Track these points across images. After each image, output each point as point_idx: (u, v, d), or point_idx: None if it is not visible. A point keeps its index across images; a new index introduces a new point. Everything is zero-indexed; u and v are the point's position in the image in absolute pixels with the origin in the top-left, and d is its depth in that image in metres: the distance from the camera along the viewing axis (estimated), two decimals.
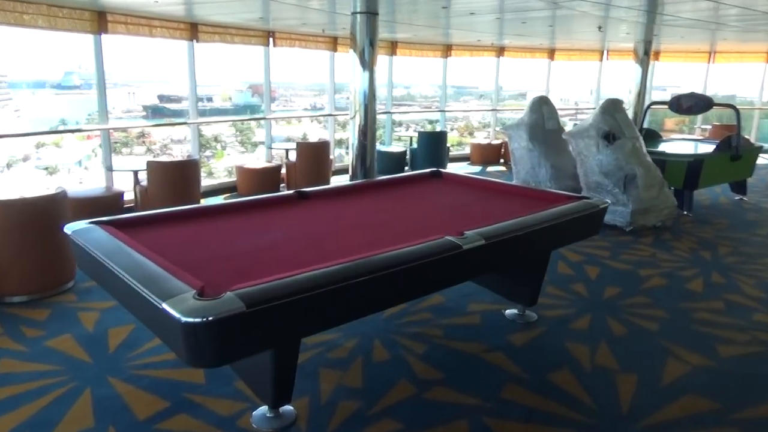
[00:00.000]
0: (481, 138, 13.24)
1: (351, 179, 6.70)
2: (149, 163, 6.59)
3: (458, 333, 3.78)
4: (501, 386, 3.11)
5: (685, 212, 6.98)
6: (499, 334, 3.76)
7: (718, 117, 13.78)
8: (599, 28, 8.12)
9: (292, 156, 8.62)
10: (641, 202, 6.13)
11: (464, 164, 11.27)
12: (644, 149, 6.52)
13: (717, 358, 3.44)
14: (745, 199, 7.94)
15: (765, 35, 9.67)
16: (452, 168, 10.50)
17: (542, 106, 7.26)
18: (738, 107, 7.58)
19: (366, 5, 5.90)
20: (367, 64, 6.07)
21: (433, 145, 10.02)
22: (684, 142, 8.84)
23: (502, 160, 11.36)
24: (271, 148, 9.36)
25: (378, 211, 3.83)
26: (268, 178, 8.31)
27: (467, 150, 11.93)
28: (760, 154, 8.41)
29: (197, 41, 7.81)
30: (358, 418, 2.83)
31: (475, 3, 6.19)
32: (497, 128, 12.33)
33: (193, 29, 7.68)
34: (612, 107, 6.49)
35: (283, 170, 8.69)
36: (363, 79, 6.16)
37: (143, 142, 13.90)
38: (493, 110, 12.46)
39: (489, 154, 11.37)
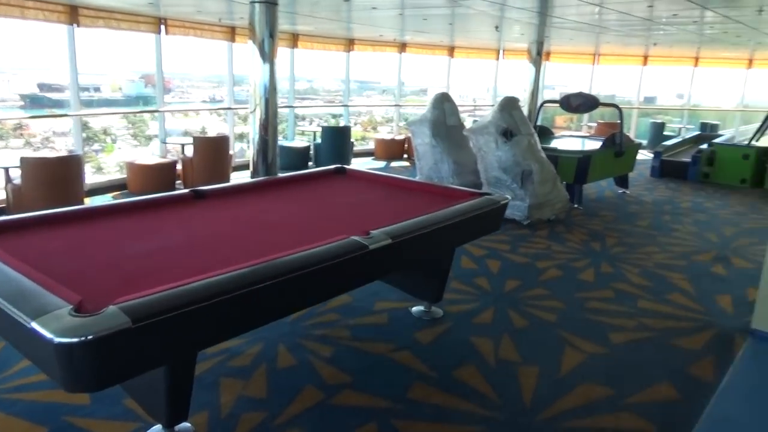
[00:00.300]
0: (385, 133, 13.32)
1: (252, 176, 6.44)
2: (23, 159, 5.96)
3: (366, 333, 3.72)
4: (409, 386, 3.08)
5: (576, 205, 7.39)
6: (407, 332, 3.74)
7: (601, 115, 14.81)
8: (496, 27, 8.40)
9: (189, 151, 8.17)
10: (537, 197, 6.40)
11: (368, 159, 11.27)
12: (539, 146, 6.81)
13: (609, 345, 3.64)
14: (627, 192, 8.55)
15: (642, 39, 10.48)
16: (357, 164, 10.47)
17: (444, 103, 7.38)
18: (620, 106, 8.14)
19: None
20: (267, 56, 5.85)
21: (337, 140, 9.93)
22: (573, 138, 9.37)
23: (405, 156, 11.48)
24: (165, 143, 8.82)
25: (280, 210, 3.68)
26: (162, 175, 7.83)
27: (371, 145, 11.94)
28: (640, 150, 9.11)
29: (78, 25, 7.16)
30: (263, 429, 2.69)
31: None
32: (400, 124, 12.45)
33: (72, 12, 7.03)
34: (509, 105, 6.71)
35: (179, 166, 8.23)
36: (263, 71, 5.93)
37: (21, 134, 12.62)
38: (396, 106, 12.56)
39: (393, 150, 11.45)
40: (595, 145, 8.17)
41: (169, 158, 8.39)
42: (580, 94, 8.24)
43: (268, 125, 6.20)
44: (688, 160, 9.81)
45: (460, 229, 3.51)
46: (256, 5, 5.68)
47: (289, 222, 3.37)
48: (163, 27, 8.23)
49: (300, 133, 11.75)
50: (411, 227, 3.10)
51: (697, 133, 12.17)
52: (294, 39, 10.26)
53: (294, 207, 3.75)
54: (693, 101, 15.27)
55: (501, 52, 13.09)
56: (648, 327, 3.91)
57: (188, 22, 8.49)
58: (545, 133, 8.88)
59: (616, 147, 7.80)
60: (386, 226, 3.03)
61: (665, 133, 13.62)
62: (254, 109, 6.13)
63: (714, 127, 13.78)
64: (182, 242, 2.93)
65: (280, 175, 4.90)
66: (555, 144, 8.31)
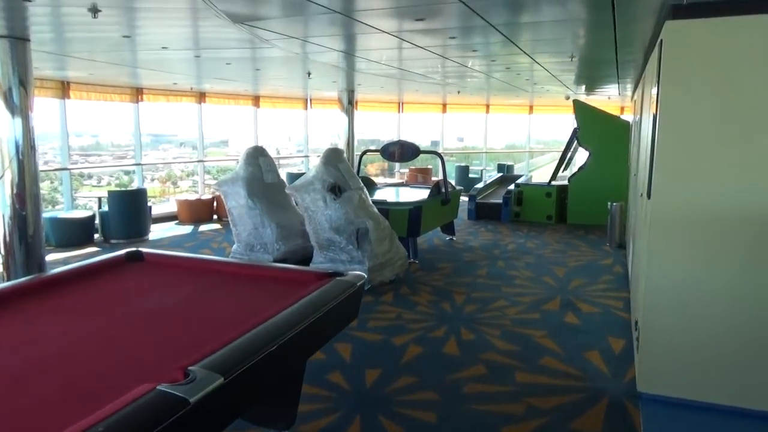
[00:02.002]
0: (188, 189, 11.84)
1: (5, 263, 4.78)
2: None
3: None
4: None
5: (413, 260, 6.91)
6: None
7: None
8: (309, 74, 7.77)
9: None
10: (376, 258, 5.73)
11: (171, 224, 9.73)
12: (369, 200, 6.22)
13: None
14: (454, 239, 8.40)
15: (441, 88, 10.77)
16: (158, 231, 8.91)
17: (258, 158, 6.43)
18: (440, 153, 8.02)
19: (9, 27, 4.25)
20: (18, 107, 4.37)
21: (130, 206, 8.28)
22: (396, 188, 9.07)
23: (215, 216, 10.16)
24: None
25: (38, 339, 2.36)
26: None
27: (173, 205, 10.37)
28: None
29: None
30: None
31: (165, 34, 5.06)
32: (205, 181, 11.10)
33: None
34: (334, 157, 6.03)
35: None
36: (13, 127, 4.42)
37: None
38: (199, 161, 11.20)
39: (200, 211, 10.05)
40: (420, 193, 7.90)
41: None
42: (399, 143, 7.95)
43: (25, 194, 4.65)
44: (500, 201, 10.13)
45: (316, 333, 2.58)
46: None
47: (53, 363, 2.11)
48: None
49: (84, 200, 9.76)
50: (250, 348, 2.11)
51: (501, 174, 12.89)
52: (64, 87, 8.49)
53: (63, 330, 2.46)
54: (474, 144, 16.48)
55: (309, 101, 12.60)
56: (538, 410, 3.34)
57: None
58: (368, 184, 8.40)
59: (443, 195, 7.58)
60: (212, 353, 2.00)
61: (470, 175, 14.29)
62: (2, 175, 4.55)
63: (510, 168, 14.85)
64: None
65: (48, 273, 3.50)
66: (381, 195, 7.86)
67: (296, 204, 6.07)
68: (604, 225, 9.17)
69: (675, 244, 3.27)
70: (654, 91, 3.55)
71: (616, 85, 9.30)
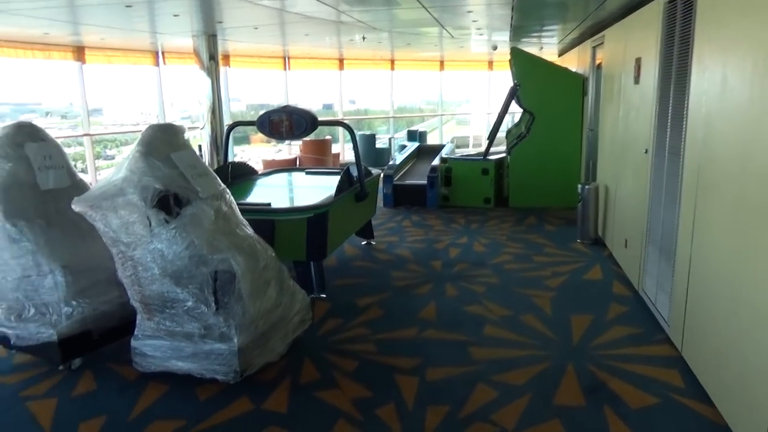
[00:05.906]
0: None
1: None
2: None
3: None
4: None
5: (316, 295, 4.38)
6: None
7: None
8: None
9: None
10: (254, 325, 3.15)
11: None
12: (238, 212, 3.55)
13: None
14: (373, 243, 5.96)
15: (335, 31, 8.10)
16: None
17: (24, 145, 3.52)
18: (349, 125, 5.49)
19: None
20: None
21: None
22: (284, 174, 6.40)
23: None
24: None
25: None
26: None
27: None
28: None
29: None
30: None
31: None
32: None
33: None
34: (162, 142, 3.28)
35: None
36: None
37: None
38: None
39: None
40: (322, 183, 5.39)
41: None
42: (286, 111, 5.20)
43: None
44: (423, 182, 7.80)
45: None
46: None
47: None
48: None
49: None
50: None
51: (417, 145, 10.41)
52: None
53: None
54: (366, 107, 14.13)
55: (161, 53, 9.39)
56: None
57: None
58: (243, 173, 5.71)
59: (356, 187, 5.06)
60: None
61: (377, 145, 11.82)
62: None
63: (422, 135, 12.56)
64: None
65: None
66: (261, 193, 5.23)
67: (100, 229, 3.30)
68: (557, 208, 7.24)
69: None
70: None
71: (576, 24, 7.10)
